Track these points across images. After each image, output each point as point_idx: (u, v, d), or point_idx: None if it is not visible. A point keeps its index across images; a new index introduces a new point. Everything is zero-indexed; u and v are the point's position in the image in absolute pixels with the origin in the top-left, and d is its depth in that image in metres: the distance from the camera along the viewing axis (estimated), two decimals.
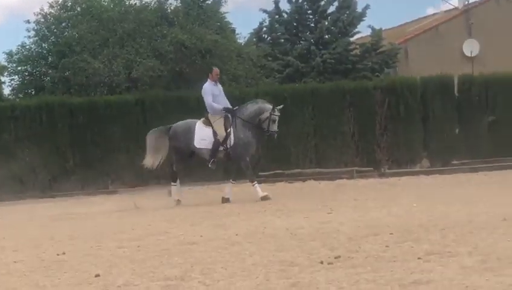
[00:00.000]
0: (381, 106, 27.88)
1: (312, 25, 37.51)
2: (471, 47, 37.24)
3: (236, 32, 34.19)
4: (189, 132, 20.87)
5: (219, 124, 20.60)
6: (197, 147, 20.73)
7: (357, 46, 35.65)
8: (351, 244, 10.64)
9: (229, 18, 33.60)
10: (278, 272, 8.90)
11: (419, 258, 9.03)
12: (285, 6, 37.98)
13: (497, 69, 30.38)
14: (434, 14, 42.52)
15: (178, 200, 20.76)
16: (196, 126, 20.92)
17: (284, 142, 25.63)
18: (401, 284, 7.61)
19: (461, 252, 9.27)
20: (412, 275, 8.01)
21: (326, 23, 36.42)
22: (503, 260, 8.42)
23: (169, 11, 31.10)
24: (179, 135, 21.11)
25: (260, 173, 24.30)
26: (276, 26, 37.82)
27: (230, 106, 20.82)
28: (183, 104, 25.77)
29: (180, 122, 21.36)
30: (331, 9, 37.18)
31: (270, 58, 34.14)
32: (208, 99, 20.57)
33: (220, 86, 21.09)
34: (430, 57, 35.83)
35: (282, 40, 37.58)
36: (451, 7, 39.96)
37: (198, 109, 21.59)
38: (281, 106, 20.80)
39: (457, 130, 28.89)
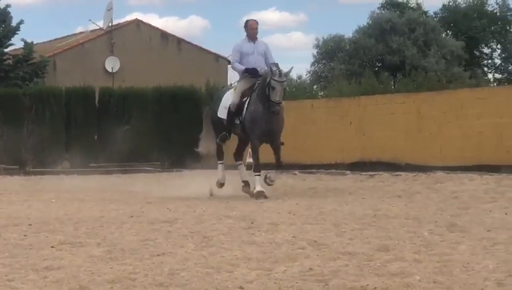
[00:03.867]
0: (29, 111, 27.84)
1: None
2: (112, 64, 37.68)
3: None
4: (218, 100, 16.37)
5: (238, 90, 15.80)
6: (219, 116, 16.05)
7: (10, 57, 34.94)
8: None
9: None
10: None
11: (52, 247, 8.98)
12: None
13: (134, 84, 30.95)
14: (81, 33, 42.54)
15: (221, 184, 16.43)
16: (227, 92, 16.40)
17: None
18: (35, 269, 7.54)
19: (90, 243, 9.30)
20: (45, 261, 7.94)
21: None
22: (126, 251, 8.55)
23: None
24: (212, 104, 16.96)
25: None
26: None
27: (264, 68, 15.48)
28: None
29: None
30: None
31: None
32: (232, 58, 16.26)
33: (258, 44, 15.92)
34: (76, 70, 35.92)
35: None
36: (97, 27, 40.15)
37: None
38: (291, 69, 15.98)
39: (96, 136, 29.24)
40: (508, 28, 53.51)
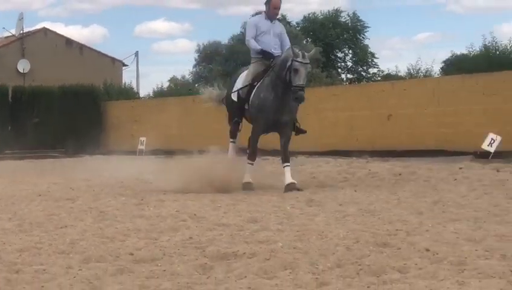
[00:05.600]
0: None
1: None
2: (23, 65, 37.28)
3: None
4: (234, 81, 12.73)
5: (250, 73, 12.24)
6: (232, 98, 12.60)
7: None
8: None
9: None
10: None
11: None
12: None
13: (43, 83, 30.87)
14: None
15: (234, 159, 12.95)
16: (242, 73, 12.71)
17: None
18: None
19: (3, 217, 9.06)
20: None
21: None
22: (34, 224, 8.37)
23: None
24: (228, 83, 13.55)
25: None
26: None
27: (279, 52, 12.15)
28: None
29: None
30: None
31: None
32: (248, 33, 12.41)
33: (275, 24, 12.37)
34: None
35: None
36: (10, 34, 39.40)
37: None
38: (315, 50, 12.63)
39: (10, 128, 28.86)
40: (358, 36, 55.06)
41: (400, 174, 13.37)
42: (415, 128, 17.37)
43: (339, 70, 55.63)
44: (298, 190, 11.22)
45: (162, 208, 9.59)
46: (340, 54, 55.94)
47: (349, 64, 56.33)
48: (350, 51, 55.69)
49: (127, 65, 42.80)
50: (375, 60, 55.91)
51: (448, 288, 4.99)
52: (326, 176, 14.09)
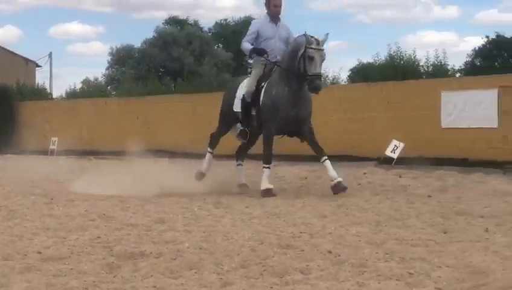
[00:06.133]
0: None
1: None
2: None
3: None
4: (234, 91, 11.59)
5: (253, 76, 11.20)
6: (235, 110, 11.39)
7: None
8: None
9: None
10: None
11: None
12: None
13: None
14: None
15: (201, 173, 11.95)
16: (242, 82, 11.59)
17: None
18: None
19: None
20: None
21: None
22: None
23: None
24: (225, 94, 12.09)
25: None
26: None
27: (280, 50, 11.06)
28: None
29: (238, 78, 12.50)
30: None
31: None
32: (245, 37, 11.31)
33: (280, 27, 11.17)
34: None
35: None
36: None
37: None
38: (326, 36, 10.69)
39: None
40: None
41: (306, 178, 13.49)
42: (322, 133, 17.53)
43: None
44: (345, 188, 10.45)
45: (72, 208, 9.47)
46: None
47: None
48: None
49: (41, 66, 42.18)
50: None
51: (349, 289, 5.06)
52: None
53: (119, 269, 5.79)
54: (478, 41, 59.32)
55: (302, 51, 10.46)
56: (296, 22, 76.52)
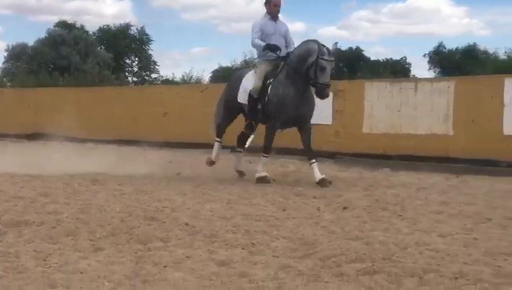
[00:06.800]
0: None
1: None
2: None
3: None
4: (238, 81, 10.45)
5: (260, 72, 10.07)
6: (239, 101, 10.32)
7: None
8: None
9: None
10: None
11: None
12: None
13: None
14: None
15: (212, 161, 10.87)
16: (247, 74, 10.52)
17: None
18: None
19: None
20: None
21: None
22: None
23: None
24: (229, 84, 10.81)
25: None
26: None
27: (284, 49, 10.14)
28: None
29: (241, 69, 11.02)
30: None
31: None
32: (253, 35, 10.14)
33: (279, 24, 10.29)
34: None
35: None
36: None
37: None
38: (335, 45, 9.86)
39: None
40: (143, 46, 56.20)
41: (170, 162, 13.42)
42: (186, 124, 17.49)
43: (127, 74, 56.36)
44: (330, 183, 9.59)
45: None
46: (128, 61, 56.96)
47: (136, 69, 57.18)
48: (136, 59, 56.55)
49: None
50: (157, 67, 56.95)
51: (201, 255, 5.09)
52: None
53: (5, 235, 5.62)
54: None
55: (313, 58, 9.56)
56: (172, 31, 76.50)
